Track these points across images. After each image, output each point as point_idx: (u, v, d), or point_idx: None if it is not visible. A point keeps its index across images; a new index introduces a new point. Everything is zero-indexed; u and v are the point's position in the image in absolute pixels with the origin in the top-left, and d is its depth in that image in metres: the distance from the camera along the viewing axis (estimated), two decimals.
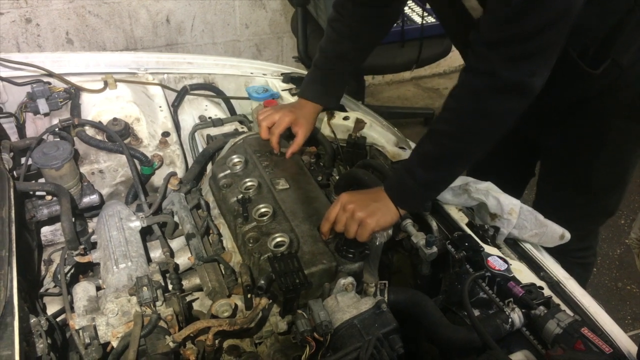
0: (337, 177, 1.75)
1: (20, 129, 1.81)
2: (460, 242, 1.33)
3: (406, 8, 3.10)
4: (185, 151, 1.85)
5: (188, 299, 1.36)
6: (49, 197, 1.47)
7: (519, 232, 1.41)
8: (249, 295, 1.23)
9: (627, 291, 2.69)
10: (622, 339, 1.17)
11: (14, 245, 1.17)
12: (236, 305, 1.27)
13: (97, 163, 1.67)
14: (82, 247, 1.37)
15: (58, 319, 1.27)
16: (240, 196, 1.40)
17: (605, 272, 2.79)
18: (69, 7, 3.14)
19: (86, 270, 1.46)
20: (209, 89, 2.08)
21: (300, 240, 1.31)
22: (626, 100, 1.46)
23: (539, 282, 1.28)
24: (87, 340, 1.15)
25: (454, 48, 2.81)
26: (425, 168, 1.28)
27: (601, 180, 1.64)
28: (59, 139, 1.61)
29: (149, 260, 1.38)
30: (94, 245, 1.45)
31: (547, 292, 1.25)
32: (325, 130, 1.83)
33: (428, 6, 2.75)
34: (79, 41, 3.26)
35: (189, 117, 1.99)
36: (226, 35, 3.60)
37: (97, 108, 1.77)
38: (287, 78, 2.07)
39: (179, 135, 1.86)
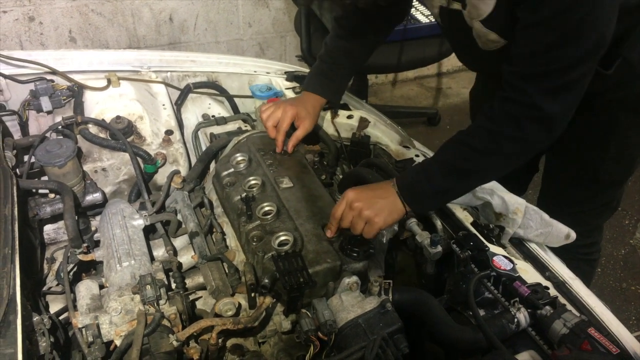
0: (340, 176, 1.74)
1: (23, 126, 1.80)
2: (465, 242, 1.32)
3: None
4: (188, 149, 1.84)
5: (191, 297, 1.36)
6: (52, 195, 1.46)
7: (524, 231, 1.40)
8: (252, 294, 1.23)
9: (632, 292, 2.68)
10: (628, 339, 1.16)
11: (17, 243, 1.16)
12: (240, 304, 1.27)
13: (100, 161, 1.67)
14: (85, 245, 1.37)
15: (61, 317, 1.27)
16: (243, 194, 1.39)
17: (609, 272, 2.78)
18: (72, 5, 3.14)
19: (89, 268, 1.46)
20: (213, 87, 2.08)
21: (305, 239, 1.30)
22: (633, 95, 1.46)
23: (545, 282, 1.28)
24: (90, 339, 1.15)
25: None
26: (445, 175, 1.30)
27: (608, 174, 1.64)
28: (62, 137, 1.61)
29: (152, 258, 1.38)
30: (97, 244, 1.45)
31: (552, 292, 1.24)
32: (329, 129, 1.82)
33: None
34: (82, 39, 3.26)
35: (192, 115, 1.99)
36: (229, 34, 3.60)
37: (100, 106, 1.76)
38: (290, 76, 2.06)
39: (182, 134, 1.86)
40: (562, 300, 1.23)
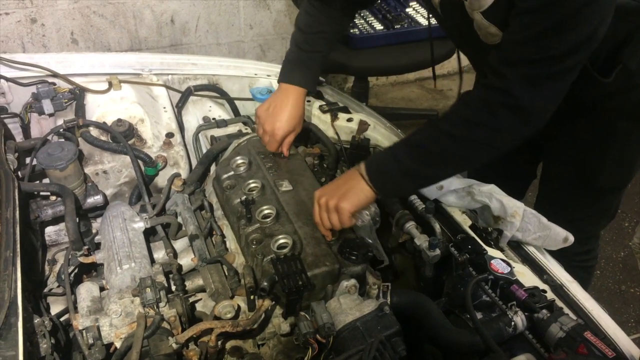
0: None
1: (25, 129, 1.81)
2: (463, 245, 1.33)
3: (410, 10, 3.10)
4: (189, 152, 1.85)
5: (191, 300, 1.36)
6: (53, 198, 1.47)
7: (523, 234, 1.41)
8: (251, 297, 1.23)
9: (631, 294, 2.68)
10: (625, 342, 1.17)
11: (18, 246, 1.17)
12: (239, 307, 1.28)
13: (101, 164, 1.68)
14: (86, 247, 1.37)
15: (62, 319, 1.27)
16: (243, 197, 1.40)
17: (608, 274, 2.78)
18: (74, 7, 3.15)
19: (90, 270, 1.47)
20: (213, 90, 2.08)
21: (304, 242, 1.31)
22: (632, 102, 1.46)
23: (542, 285, 1.28)
24: (91, 341, 1.16)
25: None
26: (412, 157, 1.25)
27: (606, 182, 1.63)
28: (63, 140, 1.61)
29: (152, 261, 1.38)
30: (97, 246, 1.45)
31: (550, 295, 1.25)
32: (329, 131, 1.83)
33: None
34: (83, 41, 3.27)
35: (193, 118, 1.99)
36: (230, 35, 3.61)
37: (101, 109, 1.77)
38: None
39: (182, 136, 1.86)
40: (559, 303, 1.23)
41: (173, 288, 1.30)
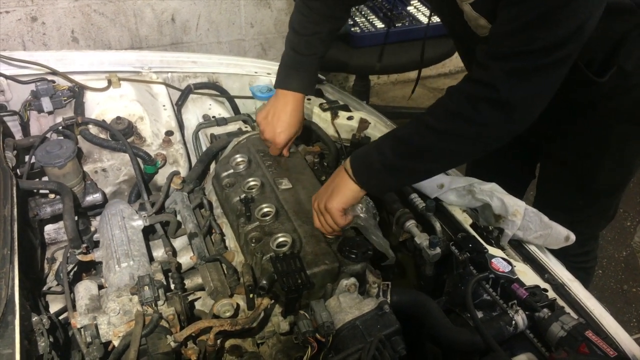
0: None
1: (24, 127, 1.81)
2: (464, 244, 1.32)
3: (411, 8, 3.10)
4: (188, 150, 1.85)
5: (190, 298, 1.36)
6: (52, 196, 1.47)
7: (524, 233, 1.40)
8: (251, 295, 1.23)
9: (633, 294, 2.68)
10: (626, 342, 1.16)
11: (16, 243, 1.17)
12: (238, 305, 1.27)
13: (100, 162, 1.67)
14: (84, 245, 1.37)
15: (60, 318, 1.27)
16: (243, 196, 1.40)
17: (610, 274, 2.77)
18: (74, 5, 3.14)
19: (89, 268, 1.46)
20: (213, 88, 2.08)
21: (303, 240, 1.30)
22: (629, 104, 1.45)
23: (543, 284, 1.28)
24: (89, 339, 1.16)
25: None
26: (397, 151, 1.22)
27: (604, 183, 1.63)
28: (62, 138, 1.61)
29: (151, 259, 1.38)
30: (96, 244, 1.45)
31: (551, 294, 1.25)
32: (329, 130, 1.82)
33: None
34: (84, 39, 3.27)
35: (192, 116, 1.99)
36: (231, 34, 3.60)
37: (100, 107, 1.77)
38: None
39: (182, 134, 1.86)
40: (560, 302, 1.23)
41: (172, 286, 1.30)
